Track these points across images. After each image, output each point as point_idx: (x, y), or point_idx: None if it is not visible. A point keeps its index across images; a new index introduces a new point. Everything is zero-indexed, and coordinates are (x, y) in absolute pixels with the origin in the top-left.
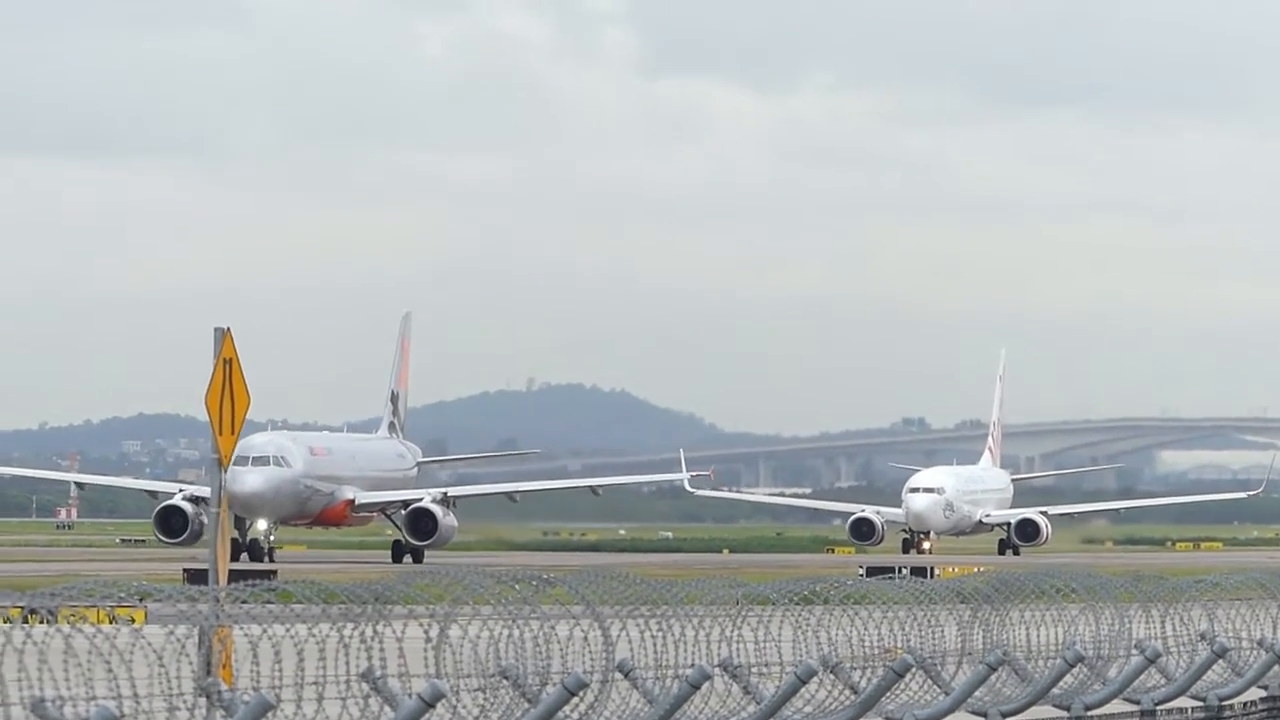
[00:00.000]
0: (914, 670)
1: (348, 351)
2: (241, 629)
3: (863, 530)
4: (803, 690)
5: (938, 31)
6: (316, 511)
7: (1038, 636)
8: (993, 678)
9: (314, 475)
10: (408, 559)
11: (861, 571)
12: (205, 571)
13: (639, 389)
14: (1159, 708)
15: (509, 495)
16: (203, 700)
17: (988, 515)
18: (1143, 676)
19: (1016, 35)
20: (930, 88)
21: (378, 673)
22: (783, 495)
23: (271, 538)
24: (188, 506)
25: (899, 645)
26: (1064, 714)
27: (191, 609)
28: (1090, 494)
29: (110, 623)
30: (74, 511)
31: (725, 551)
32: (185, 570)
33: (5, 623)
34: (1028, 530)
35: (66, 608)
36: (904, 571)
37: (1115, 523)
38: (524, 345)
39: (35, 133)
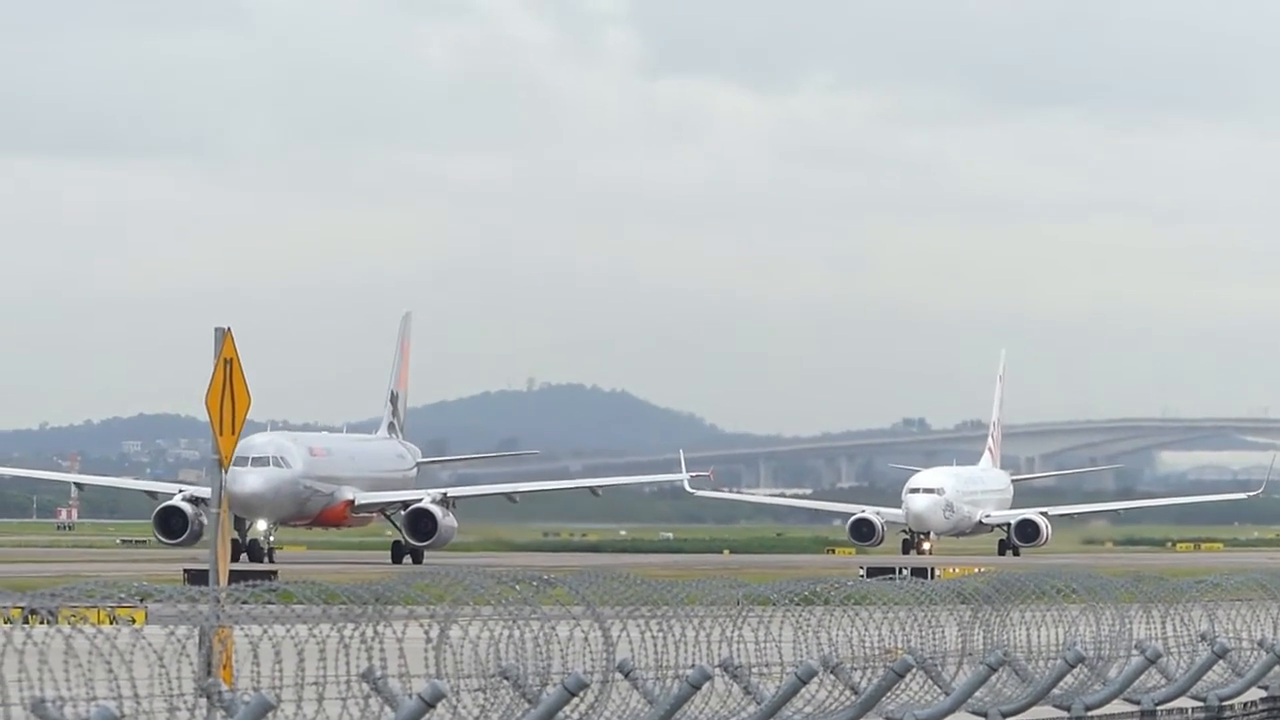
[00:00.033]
0: (914, 671)
1: (348, 351)
2: (242, 629)
3: (863, 531)
4: (803, 690)
5: (937, 31)
6: (316, 512)
7: (1038, 637)
8: (993, 678)
9: (313, 476)
10: (407, 559)
11: (862, 572)
12: (206, 572)
13: (639, 389)
14: (1159, 708)
15: (508, 496)
16: (203, 701)
17: (988, 516)
18: (1143, 677)
19: (1017, 35)
20: (930, 88)
21: (378, 673)
22: (783, 496)
23: (271, 538)
24: (187, 507)
25: (899, 646)
26: (1064, 714)
27: (192, 609)
28: (1090, 494)
29: (111, 623)
30: (74, 512)
31: (726, 552)
32: (186, 571)
33: (6, 623)
34: (1028, 531)
35: (67, 608)
36: (904, 572)
37: (1116, 523)
38: (524, 345)
39: (35, 133)
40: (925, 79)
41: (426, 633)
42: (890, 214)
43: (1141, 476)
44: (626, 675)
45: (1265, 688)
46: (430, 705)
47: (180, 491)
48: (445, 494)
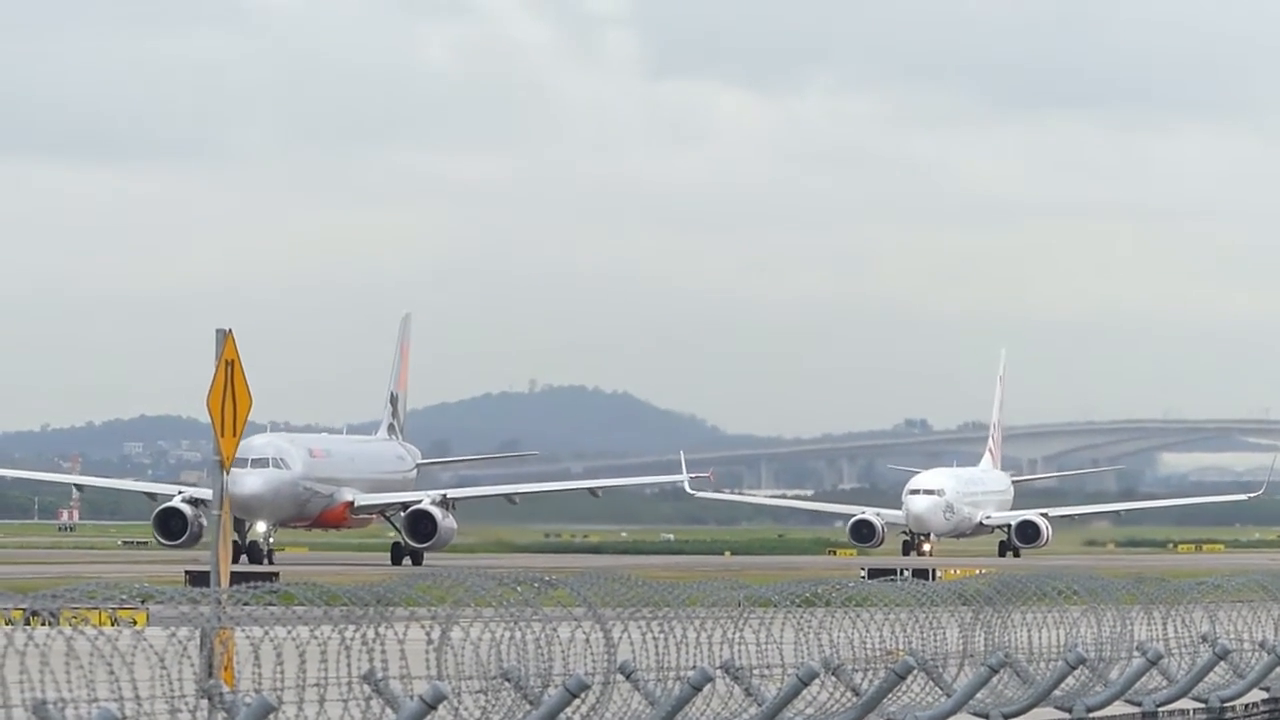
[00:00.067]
0: (916, 672)
1: (349, 352)
2: (243, 631)
3: (863, 532)
4: (804, 692)
5: (938, 32)
6: (316, 513)
7: (1039, 638)
8: (994, 679)
9: (313, 477)
10: (407, 561)
11: (863, 574)
12: (207, 573)
13: (641, 391)
14: (1161, 709)
15: (508, 497)
16: (204, 702)
17: (988, 517)
18: (1144, 678)
19: (1018, 37)
20: (931, 90)
21: (379, 675)
22: (785, 497)
23: (271, 540)
24: (186, 508)
25: (901, 647)
26: (1066, 716)
27: (193, 611)
28: (1092, 496)
29: (112, 625)
30: (76, 513)
31: (727, 553)
32: (187, 572)
33: (7, 625)
34: (1028, 532)
35: (68, 609)
36: (906, 574)
37: (1117, 524)
38: (525, 347)
39: (36, 133)
40: (926, 81)
41: (428, 634)
42: (891, 215)
43: (1143, 478)
44: (628, 677)
45: (1267, 689)
46: (431, 707)
47: (180, 493)
48: (445, 495)
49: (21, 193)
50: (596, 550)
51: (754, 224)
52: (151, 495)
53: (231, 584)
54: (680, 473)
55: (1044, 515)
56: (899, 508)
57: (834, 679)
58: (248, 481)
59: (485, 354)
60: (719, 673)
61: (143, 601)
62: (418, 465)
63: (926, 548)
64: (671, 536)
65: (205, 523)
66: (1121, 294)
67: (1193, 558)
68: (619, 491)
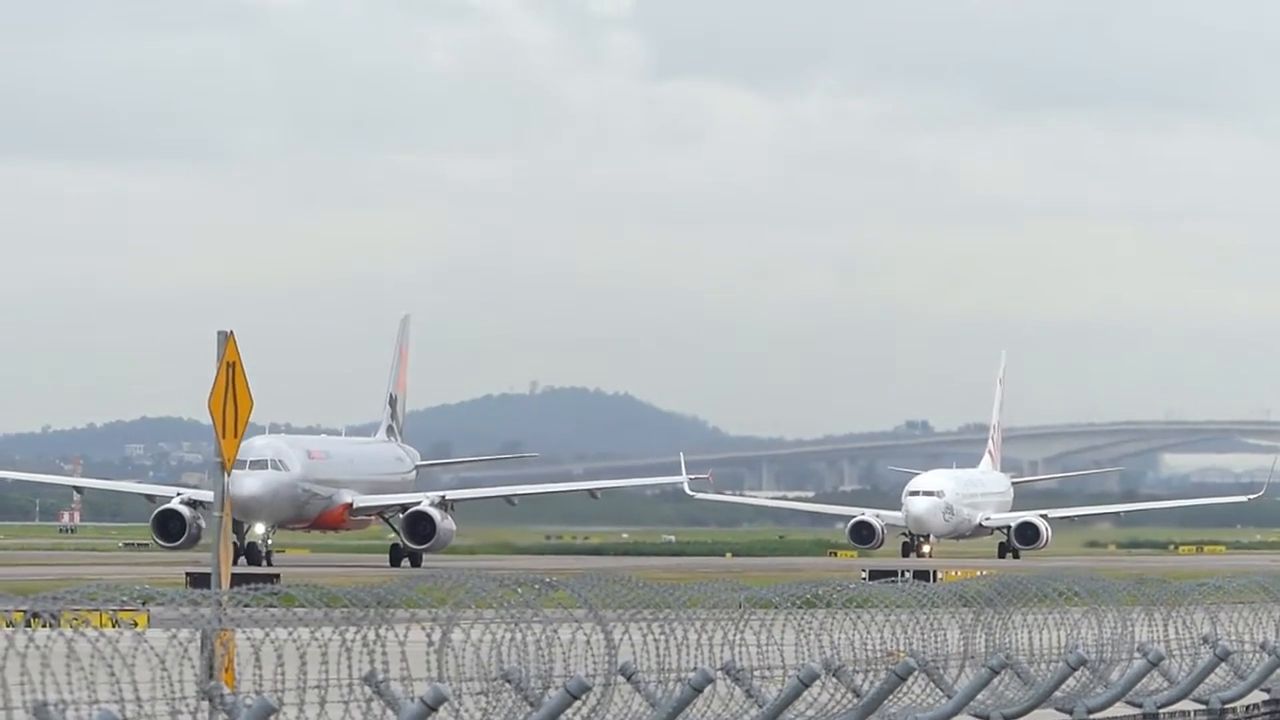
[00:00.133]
0: (916, 673)
1: (350, 353)
2: (244, 632)
3: (862, 534)
4: (805, 693)
5: (938, 32)
6: (314, 515)
7: (1040, 640)
8: (995, 681)
9: (312, 479)
10: (406, 563)
11: (864, 575)
12: (208, 575)
13: (642, 392)
14: (1162, 711)
15: (507, 499)
16: (205, 704)
17: (988, 518)
18: (1145, 679)
19: (1018, 37)
20: (931, 90)
21: (380, 676)
22: (786, 498)
23: (269, 541)
24: (185, 510)
25: (901, 648)
26: (1067, 717)
27: (194, 613)
28: (1093, 497)
29: (113, 626)
30: (77, 515)
31: (728, 555)
32: (188, 574)
33: (8, 626)
34: (1028, 533)
35: (69, 611)
36: (907, 575)
37: (1118, 526)
38: (526, 348)
39: (36, 133)
40: (926, 81)
41: (428, 636)
42: (891, 215)
43: (1144, 479)
44: (629, 678)
45: (1268, 690)
46: (432, 708)
47: (178, 495)
48: (444, 497)
49: (21, 193)
50: (597, 552)
51: (754, 224)
52: (150, 497)
53: (232, 586)
54: (680, 474)
55: (1044, 517)
56: (899, 509)
57: (835, 680)
58: (246, 483)
59: (486, 355)
60: (720, 674)
61: (144, 603)
62: (416, 467)
63: (926, 549)
64: (672, 538)
65: (204, 524)
66: (1122, 294)
67: (1194, 559)
68: (619, 493)
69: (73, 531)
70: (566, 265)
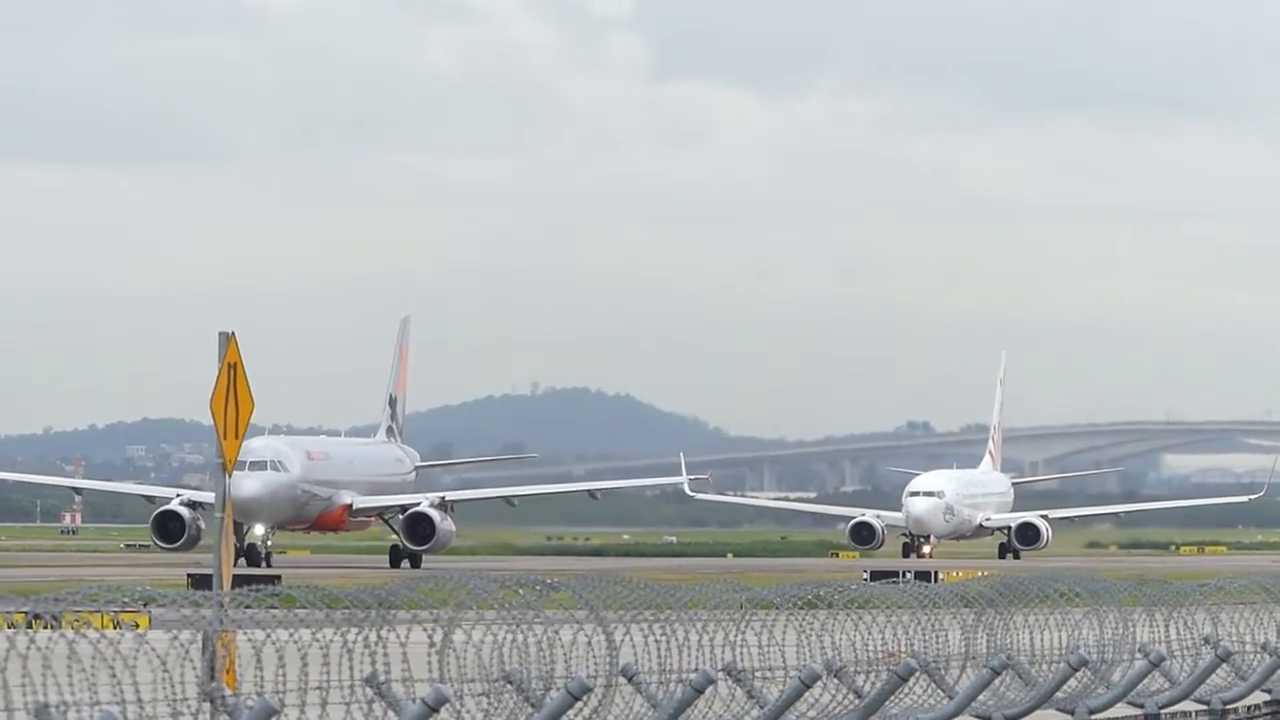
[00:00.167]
0: (918, 674)
1: (351, 354)
2: (245, 634)
3: (862, 534)
4: (807, 694)
5: (938, 32)
6: (314, 516)
7: (1041, 640)
8: (996, 682)
9: (311, 480)
10: (405, 564)
11: (865, 576)
12: (209, 576)
13: (643, 393)
14: (1163, 711)
15: (507, 499)
16: (207, 705)
17: (988, 519)
18: (1147, 680)
19: (1018, 37)
20: (931, 90)
21: (381, 678)
22: (787, 499)
23: (269, 542)
24: (184, 511)
25: (903, 649)
26: (1068, 718)
27: (195, 614)
28: (1094, 498)
29: (114, 628)
30: (78, 517)
31: (729, 556)
32: (189, 575)
33: (9, 628)
34: (1028, 534)
35: (70, 613)
36: (908, 576)
37: (1118, 526)
38: (527, 349)
39: (36, 134)
40: (926, 81)
41: (430, 637)
42: (891, 215)
43: (1145, 479)
44: (630, 679)
45: (1269, 691)
46: (434, 710)
47: (177, 496)
48: (444, 498)
49: (21, 193)
50: (598, 553)
51: (754, 224)
52: (150, 498)
53: (234, 587)
54: (680, 475)
55: (1044, 517)
56: (900, 510)
57: (836, 681)
58: (245, 484)
59: (486, 356)
60: (721, 675)
61: (145, 605)
62: (416, 468)
63: (926, 550)
64: (674, 539)
65: (203, 526)
66: (1122, 294)
67: (1195, 560)
68: (620, 494)
69: (74, 533)
70: (566, 265)
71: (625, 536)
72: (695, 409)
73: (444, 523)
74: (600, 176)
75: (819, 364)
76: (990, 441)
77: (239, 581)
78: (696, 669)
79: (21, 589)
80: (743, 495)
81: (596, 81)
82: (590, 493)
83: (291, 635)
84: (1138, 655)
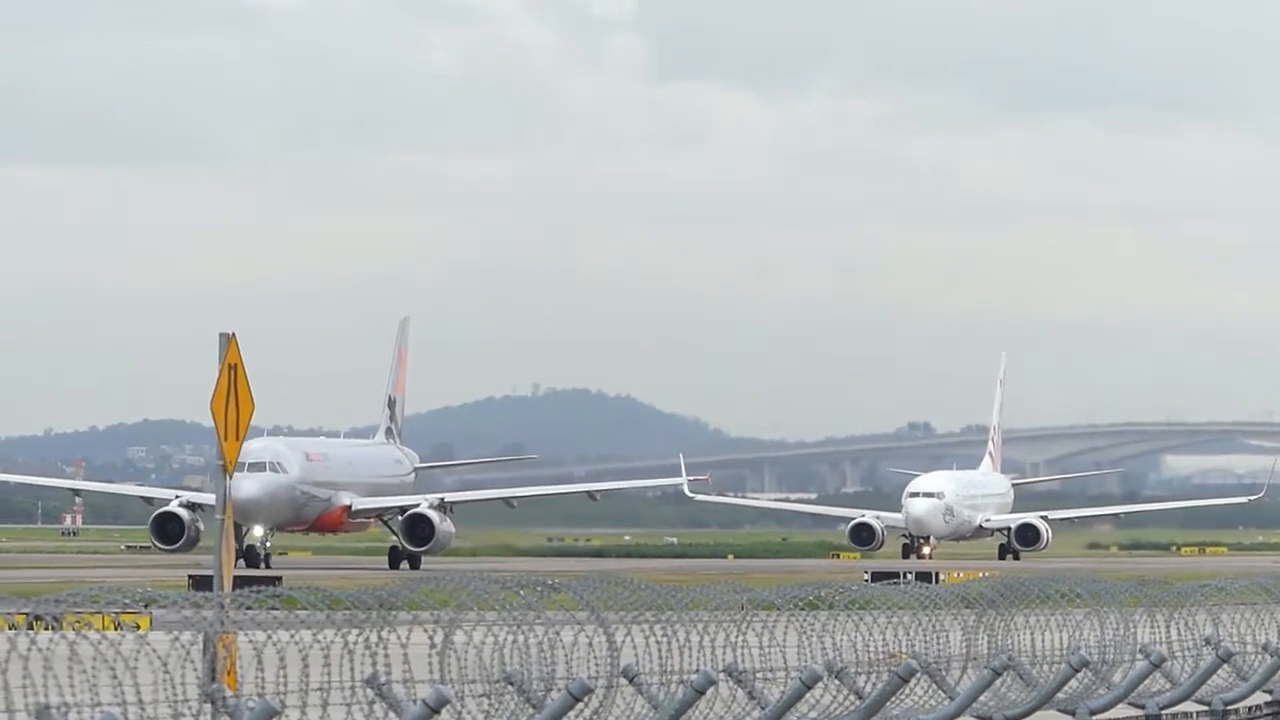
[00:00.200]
0: (919, 675)
1: (352, 354)
2: (246, 635)
3: (862, 535)
4: (808, 695)
5: (938, 32)
6: (313, 517)
7: (1042, 641)
8: (997, 682)
9: (310, 481)
10: (404, 565)
11: (866, 577)
12: (210, 577)
13: (644, 394)
14: (1164, 712)
15: (506, 501)
16: (208, 706)
17: (988, 520)
18: (1148, 681)
19: (1018, 37)
20: (931, 90)
21: (382, 679)
22: (788, 500)
23: (268, 544)
24: (184, 513)
25: (904, 650)
26: (1069, 719)
27: (196, 615)
28: (1094, 498)
29: (115, 629)
30: (79, 518)
31: (730, 557)
32: (190, 576)
33: (10, 629)
34: (1028, 535)
35: (71, 614)
36: (909, 577)
37: (1119, 527)
38: (528, 349)
39: (36, 134)
40: (926, 81)
41: (431, 638)
42: (891, 215)
43: (1145, 480)
44: (631, 680)
45: (1270, 691)
46: (435, 711)
47: (177, 497)
48: (443, 499)
49: (21, 193)
50: (599, 554)
51: (754, 224)
52: (149, 500)
53: (235, 588)
54: (680, 476)
55: (1044, 518)
56: (900, 511)
57: (837, 682)
58: (244, 485)
59: (486, 357)
60: (722, 676)
61: (146, 606)
62: (415, 469)
63: (926, 550)
64: (674, 540)
65: (203, 527)
66: (1122, 294)
67: (1195, 560)
68: (621, 494)
69: (75, 534)
70: (566, 265)
71: (626, 538)
72: (695, 410)
73: (443, 524)
74: (600, 176)
75: (819, 364)
76: (990, 442)
77: (240, 583)
78: (698, 670)
79: (22, 590)
80: (743, 496)
81: (596, 81)
82: (591, 494)
83: (292, 636)
84: (1139, 656)
